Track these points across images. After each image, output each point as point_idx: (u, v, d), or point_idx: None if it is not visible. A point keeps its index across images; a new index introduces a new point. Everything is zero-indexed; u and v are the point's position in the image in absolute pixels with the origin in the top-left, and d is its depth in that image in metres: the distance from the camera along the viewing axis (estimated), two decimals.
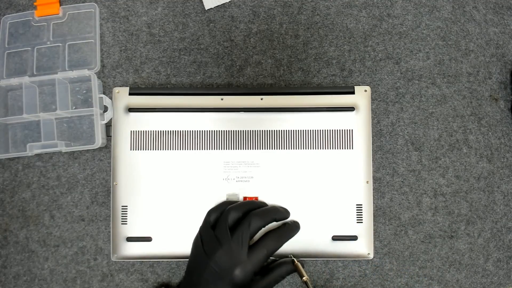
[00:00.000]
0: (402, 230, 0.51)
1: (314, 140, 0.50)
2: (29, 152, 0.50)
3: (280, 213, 0.47)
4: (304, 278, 0.44)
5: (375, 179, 0.51)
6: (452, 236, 0.51)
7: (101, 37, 0.53)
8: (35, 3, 0.53)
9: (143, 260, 0.50)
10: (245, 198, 0.49)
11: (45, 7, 0.53)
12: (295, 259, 0.46)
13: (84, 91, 0.53)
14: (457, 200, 0.51)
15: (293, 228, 0.47)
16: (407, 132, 0.52)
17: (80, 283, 0.51)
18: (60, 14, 0.53)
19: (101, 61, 0.53)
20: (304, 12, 0.53)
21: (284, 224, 0.47)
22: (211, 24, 0.53)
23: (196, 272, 0.42)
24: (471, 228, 0.51)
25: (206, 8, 0.53)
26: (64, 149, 0.50)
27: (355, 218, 0.49)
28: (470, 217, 0.51)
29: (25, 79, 0.51)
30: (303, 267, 0.45)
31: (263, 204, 0.48)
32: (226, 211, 0.44)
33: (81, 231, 0.51)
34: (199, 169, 0.50)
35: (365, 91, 0.51)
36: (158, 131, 0.50)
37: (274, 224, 0.47)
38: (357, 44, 0.53)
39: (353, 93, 0.51)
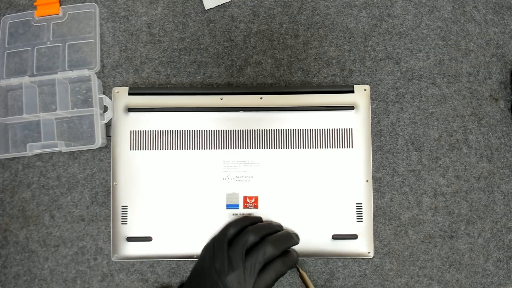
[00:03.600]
0: (402, 230, 0.51)
1: (314, 139, 0.50)
2: (29, 152, 0.50)
3: (293, 241, 0.46)
4: None
5: (375, 179, 0.51)
6: (452, 236, 0.51)
7: (101, 37, 0.53)
8: (35, 3, 0.53)
9: (143, 260, 0.50)
10: (245, 197, 0.49)
11: (45, 7, 0.53)
12: (299, 268, 0.46)
13: (84, 91, 0.53)
14: (457, 200, 0.51)
15: (296, 256, 0.46)
16: (407, 132, 0.52)
17: (80, 283, 0.51)
18: (60, 14, 0.53)
19: (101, 61, 0.53)
20: (304, 12, 0.53)
21: (289, 251, 0.46)
22: (211, 24, 0.53)
23: (202, 283, 0.42)
24: (471, 228, 0.51)
25: (206, 8, 0.53)
26: (64, 149, 0.50)
27: (355, 217, 0.49)
28: (470, 217, 0.51)
29: (25, 79, 0.51)
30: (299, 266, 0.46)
31: (279, 228, 0.48)
32: (245, 233, 0.44)
33: (81, 231, 0.51)
34: (199, 169, 0.50)
35: (365, 90, 0.51)
36: (158, 131, 0.50)
37: None
38: (357, 44, 0.53)
39: (352, 92, 0.51)
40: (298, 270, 0.47)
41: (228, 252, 0.43)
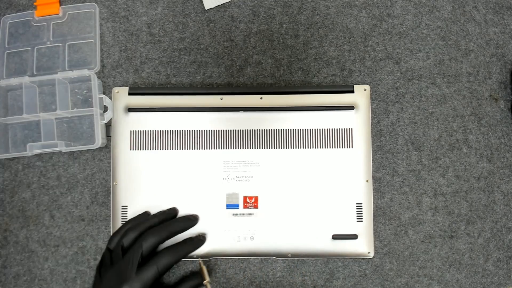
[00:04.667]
0: (402, 230, 0.51)
1: (314, 139, 0.50)
2: (29, 152, 0.50)
3: (179, 225, 0.46)
4: (205, 281, 0.45)
5: (375, 179, 0.51)
6: (452, 236, 0.51)
7: (101, 37, 0.53)
8: (35, 3, 0.53)
9: None
10: (245, 197, 0.49)
11: (45, 7, 0.53)
12: (201, 261, 0.47)
13: (84, 91, 0.53)
14: (457, 200, 0.51)
15: (194, 243, 0.46)
16: (407, 132, 0.52)
17: (80, 283, 0.51)
18: (60, 14, 0.53)
19: (101, 61, 0.53)
20: (304, 12, 0.53)
21: (186, 239, 0.47)
22: (211, 24, 0.53)
23: None
24: (471, 228, 0.51)
25: (206, 8, 0.53)
26: (64, 149, 0.50)
27: (355, 217, 0.49)
28: (470, 217, 0.51)
29: (25, 79, 0.51)
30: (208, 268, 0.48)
31: (168, 218, 0.47)
32: (123, 233, 0.45)
33: (81, 231, 0.51)
34: (199, 169, 0.50)
35: (365, 90, 0.51)
36: (158, 131, 0.50)
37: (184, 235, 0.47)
38: (357, 44, 0.53)
39: (352, 92, 0.51)
40: (199, 263, 0.47)
41: (111, 255, 0.43)
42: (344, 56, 0.53)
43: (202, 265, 0.47)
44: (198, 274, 0.48)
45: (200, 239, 0.47)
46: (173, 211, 0.48)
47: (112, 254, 0.43)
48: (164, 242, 0.45)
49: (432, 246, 0.51)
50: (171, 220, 0.47)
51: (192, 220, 0.48)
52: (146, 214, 0.48)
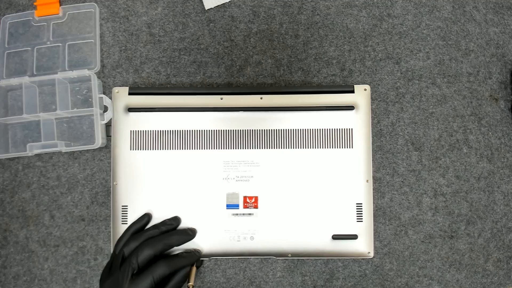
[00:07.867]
0: (402, 230, 0.51)
1: (314, 139, 0.50)
2: (29, 152, 0.50)
3: (176, 239, 0.47)
4: (189, 283, 0.45)
5: (375, 179, 0.51)
6: (452, 236, 0.51)
7: (101, 37, 0.53)
8: (35, 3, 0.53)
9: None
10: (245, 197, 0.49)
11: (45, 7, 0.53)
12: (194, 265, 0.47)
13: (84, 91, 0.53)
14: (457, 200, 0.51)
15: (190, 256, 0.47)
16: (407, 132, 0.52)
17: (80, 283, 0.51)
18: (60, 14, 0.53)
19: (101, 61, 0.53)
20: (304, 12, 0.53)
21: (183, 252, 0.47)
22: (211, 24, 0.53)
23: None
24: (471, 228, 0.51)
25: (206, 8, 0.53)
26: (64, 149, 0.50)
27: (355, 217, 0.49)
28: (470, 217, 0.51)
29: (25, 79, 0.51)
30: (199, 265, 0.49)
31: (169, 229, 0.48)
32: (125, 242, 0.45)
33: (81, 231, 0.51)
34: (199, 169, 0.50)
35: (365, 90, 0.51)
36: (158, 131, 0.50)
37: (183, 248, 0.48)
38: (357, 44, 0.53)
39: (352, 92, 0.51)
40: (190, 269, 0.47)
41: (111, 263, 0.44)
42: (344, 56, 0.53)
43: (193, 268, 0.47)
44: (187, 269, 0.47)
45: (196, 254, 0.48)
46: (175, 222, 0.49)
47: (113, 262, 0.44)
48: (160, 254, 0.45)
49: (432, 246, 0.51)
50: (168, 233, 0.47)
51: (189, 234, 0.48)
52: (147, 216, 0.48)
